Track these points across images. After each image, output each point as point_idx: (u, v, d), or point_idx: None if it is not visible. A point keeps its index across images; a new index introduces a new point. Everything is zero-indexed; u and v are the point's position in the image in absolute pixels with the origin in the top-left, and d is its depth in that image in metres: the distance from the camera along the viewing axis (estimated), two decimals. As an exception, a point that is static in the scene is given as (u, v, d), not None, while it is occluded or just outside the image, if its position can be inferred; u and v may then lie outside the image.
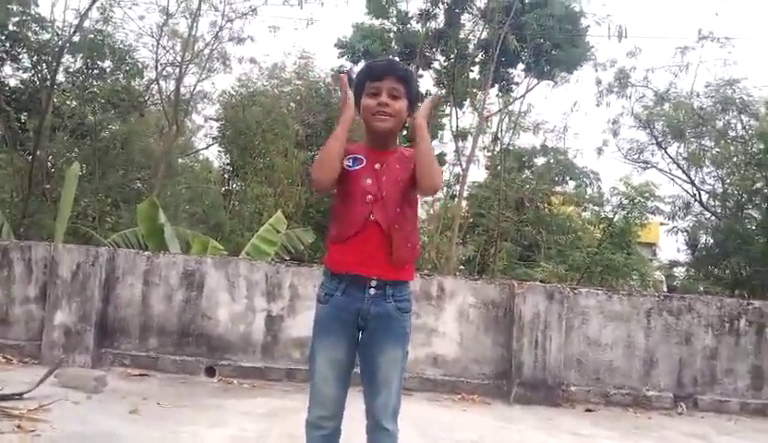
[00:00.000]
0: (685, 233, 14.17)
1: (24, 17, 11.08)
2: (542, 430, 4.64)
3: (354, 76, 2.39)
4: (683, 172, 14.59)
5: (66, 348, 5.17)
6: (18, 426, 3.41)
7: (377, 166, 2.23)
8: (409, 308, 2.29)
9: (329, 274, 2.26)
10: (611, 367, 5.74)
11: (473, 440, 4.11)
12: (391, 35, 15.90)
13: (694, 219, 14.13)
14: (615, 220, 10.55)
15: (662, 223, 15.51)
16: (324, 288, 2.25)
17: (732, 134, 13.58)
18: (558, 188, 14.95)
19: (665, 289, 14.44)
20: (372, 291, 2.19)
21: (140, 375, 5.19)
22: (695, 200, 14.26)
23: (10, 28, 11.20)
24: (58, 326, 5.21)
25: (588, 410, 5.43)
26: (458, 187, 13.66)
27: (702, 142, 14.01)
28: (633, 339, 5.79)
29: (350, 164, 2.23)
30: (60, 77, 12.01)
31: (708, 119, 13.51)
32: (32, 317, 5.41)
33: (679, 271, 14.81)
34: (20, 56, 11.72)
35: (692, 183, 14.40)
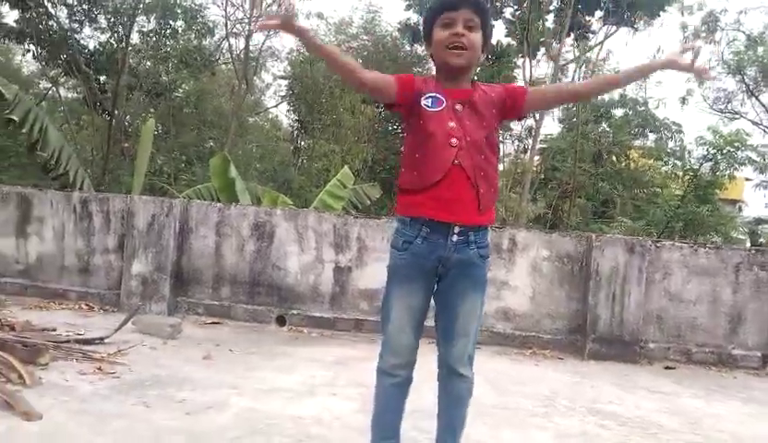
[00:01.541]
0: (774, 188, 13.23)
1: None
2: (618, 386, 4.44)
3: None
4: (776, 122, 13.57)
5: (143, 296, 5.36)
6: (99, 368, 3.54)
7: (458, 108, 2.09)
8: (489, 254, 2.20)
9: (406, 221, 2.14)
10: (694, 324, 5.44)
11: (545, 395, 3.98)
12: (461, -16, 15.34)
13: (785, 173, 13.13)
14: (700, 171, 9.89)
15: (747, 178, 14.57)
16: (402, 235, 2.14)
17: (835, 77, 12.45)
18: (638, 142, 14.20)
19: (748, 247, 13.60)
20: (455, 237, 2.08)
21: (213, 323, 5.33)
22: (789, 153, 13.23)
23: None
24: (135, 275, 5.40)
25: (668, 367, 5.18)
26: (530, 141, 13.22)
27: (800, 88, 12.93)
28: (719, 294, 5.45)
29: (429, 104, 2.09)
30: (135, 38, 12.34)
31: (807, 63, 12.42)
32: (111, 267, 5.63)
33: (765, 229, 13.88)
34: (98, 18, 12.07)
35: (787, 133, 13.37)
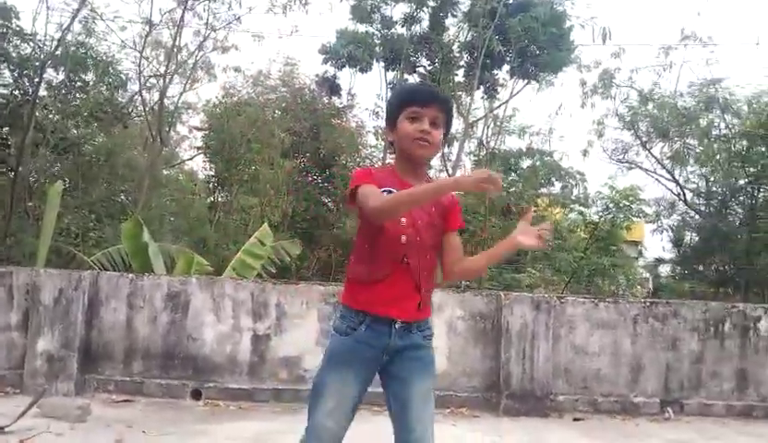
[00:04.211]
0: (670, 232, 14.30)
1: (5, 31, 10.95)
2: (530, 444, 4.64)
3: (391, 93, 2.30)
4: (667, 171, 14.75)
5: (49, 376, 5.11)
6: (-1, 464, 3.36)
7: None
8: (431, 336, 2.23)
9: (351, 310, 2.16)
10: (598, 375, 5.76)
11: (461, 459, 4.10)
12: (376, 40, 15.91)
13: (679, 218, 14.29)
14: (600, 223, 10.62)
15: (647, 221, 15.63)
16: (345, 320, 2.15)
17: (715, 132, 13.71)
18: (544, 190, 15.00)
19: (650, 287, 14.54)
20: (398, 325, 2.12)
21: (125, 400, 5.13)
22: (680, 199, 14.40)
23: (-10, 42, 11.07)
24: (41, 353, 5.14)
25: (576, 419, 5.44)
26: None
27: (687, 141, 14.14)
28: (620, 345, 5.81)
29: None
30: (42, 92, 11.90)
31: (692, 118, 13.65)
32: (14, 345, 5.33)
33: (665, 269, 14.95)
34: (1, 71, 11.59)
35: (677, 182, 14.55)
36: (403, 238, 2.11)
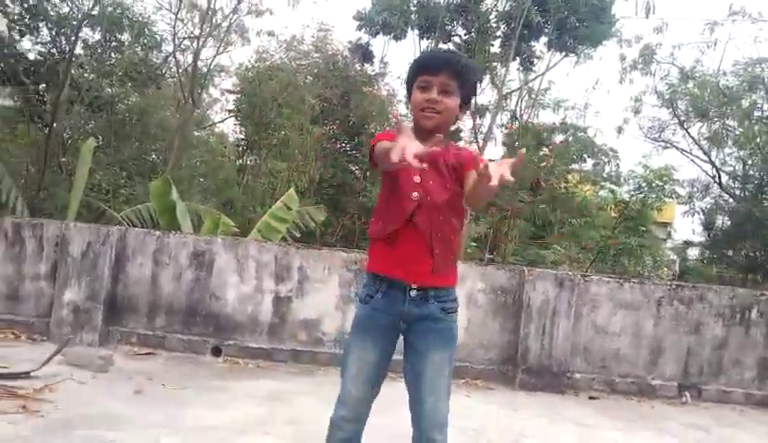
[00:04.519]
0: (702, 215, 13.96)
1: (43, -11, 11.09)
2: (545, 418, 4.64)
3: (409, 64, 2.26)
4: (704, 152, 14.34)
5: (75, 326, 5.26)
6: (23, 407, 3.48)
7: (424, 165, 2.05)
8: (455, 308, 2.18)
9: (370, 275, 2.18)
10: (618, 355, 5.72)
11: (474, 429, 4.12)
12: (412, 7, 15.63)
13: (712, 200, 13.93)
14: (631, 202, 10.40)
15: (679, 203, 15.31)
16: (365, 288, 2.18)
17: (757, 114, 13.25)
18: (576, 166, 14.74)
19: (676, 269, 14.28)
20: (413, 293, 2.10)
21: (147, 353, 5.27)
22: (714, 182, 14.03)
23: (30, 1, 11.21)
24: (67, 303, 5.29)
25: (592, 397, 5.42)
26: (473, 165, 13.51)
27: (726, 122, 13.70)
28: (642, 327, 5.75)
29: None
30: (78, 50, 12.05)
31: (733, 98, 13.20)
32: (42, 294, 5.49)
33: (693, 253, 14.64)
34: (40, 29, 11.75)
35: (713, 163, 14.15)
36: (414, 195, 2.09)
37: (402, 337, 2.17)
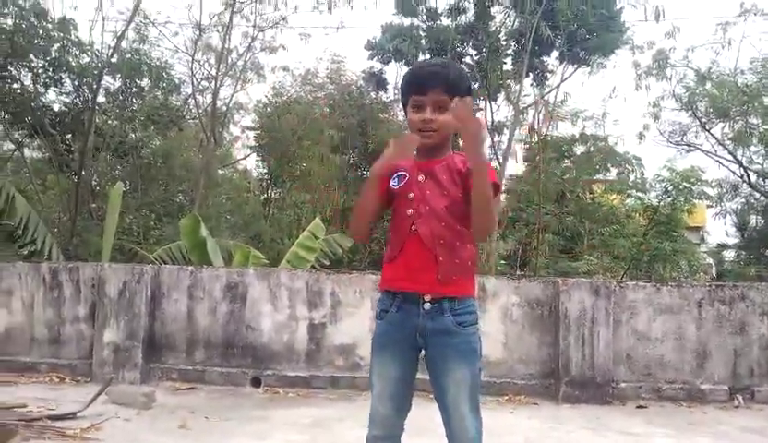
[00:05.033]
0: (733, 216, 13.71)
1: (65, 43, 11.43)
2: (591, 430, 4.53)
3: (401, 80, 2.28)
4: (729, 152, 14.13)
5: (116, 365, 5.31)
6: (73, 446, 3.50)
7: (420, 178, 2.10)
8: (473, 321, 2.11)
9: (384, 292, 2.17)
10: (662, 361, 5.58)
11: (520, 444, 4.05)
12: (421, 33, 15.83)
13: (743, 200, 13.68)
14: (660, 207, 10.25)
15: (709, 206, 15.05)
16: (380, 305, 2.17)
17: (780, 110, 13.06)
18: (600, 176, 14.62)
19: (713, 273, 13.98)
20: (427, 305, 2.06)
21: (188, 388, 5.29)
22: (743, 181, 13.79)
23: (53, 54, 11.57)
24: (107, 344, 5.36)
25: (639, 406, 5.29)
26: (496, 182, 13.52)
27: (749, 120, 13.51)
28: (684, 331, 5.62)
29: (395, 183, 2.14)
30: (101, 98, 12.38)
31: (754, 96, 13.02)
32: (83, 337, 5.57)
33: (729, 255, 14.35)
34: (63, 80, 12.10)
35: (740, 163, 13.92)
36: (409, 211, 2.09)
37: (423, 352, 2.14)
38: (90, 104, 11.58)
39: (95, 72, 11.71)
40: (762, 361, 5.59)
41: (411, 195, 2.11)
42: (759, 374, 5.56)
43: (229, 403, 4.90)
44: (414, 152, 2.13)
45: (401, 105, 2.31)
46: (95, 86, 11.61)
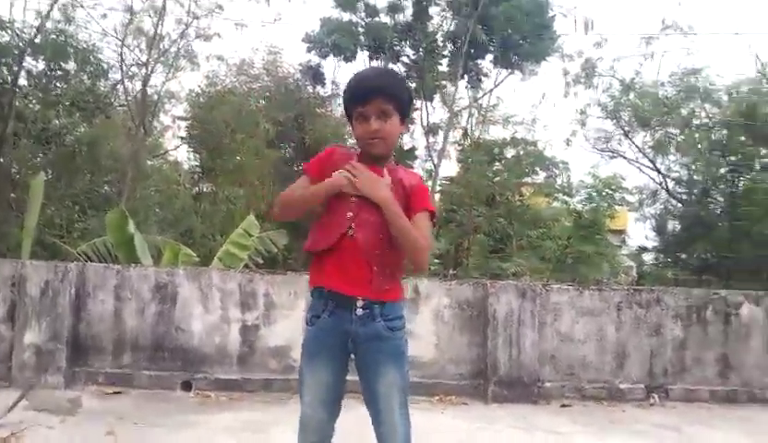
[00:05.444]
0: (653, 220, 14.49)
1: (-19, 19, 10.79)
2: (520, 429, 4.71)
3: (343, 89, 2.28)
4: (649, 160, 14.91)
5: (38, 369, 5.08)
6: (-9, 457, 3.35)
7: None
8: (402, 325, 2.18)
9: (315, 293, 2.18)
10: (584, 362, 5.85)
11: (450, 445, 4.16)
12: (359, 29, 15.84)
13: (661, 206, 14.48)
14: (583, 212, 10.75)
15: (630, 210, 15.81)
16: (312, 310, 2.18)
17: (696, 122, 13.88)
18: (528, 179, 15.11)
19: (634, 274, 14.73)
20: (360, 311, 2.10)
21: (115, 393, 5.11)
22: (662, 188, 14.58)
23: (-32, 30, 10.90)
24: (28, 346, 5.11)
25: (564, 405, 5.53)
26: (430, 183, 13.73)
27: (668, 130, 14.29)
28: (605, 332, 5.90)
29: None
30: (22, 81, 11.75)
31: (673, 107, 13.79)
32: (2, 338, 5.27)
33: (648, 257, 15.16)
34: (-20, 60, 11.40)
35: (658, 171, 14.73)
36: (349, 214, 2.12)
37: (353, 356, 2.18)
38: (10, 87, 10.96)
39: (15, 52, 11.10)
40: (676, 361, 5.94)
41: (354, 199, 2.12)
42: (672, 373, 5.92)
43: (159, 408, 4.77)
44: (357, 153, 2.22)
45: (340, 101, 2.34)
46: (16, 68, 11.01)
